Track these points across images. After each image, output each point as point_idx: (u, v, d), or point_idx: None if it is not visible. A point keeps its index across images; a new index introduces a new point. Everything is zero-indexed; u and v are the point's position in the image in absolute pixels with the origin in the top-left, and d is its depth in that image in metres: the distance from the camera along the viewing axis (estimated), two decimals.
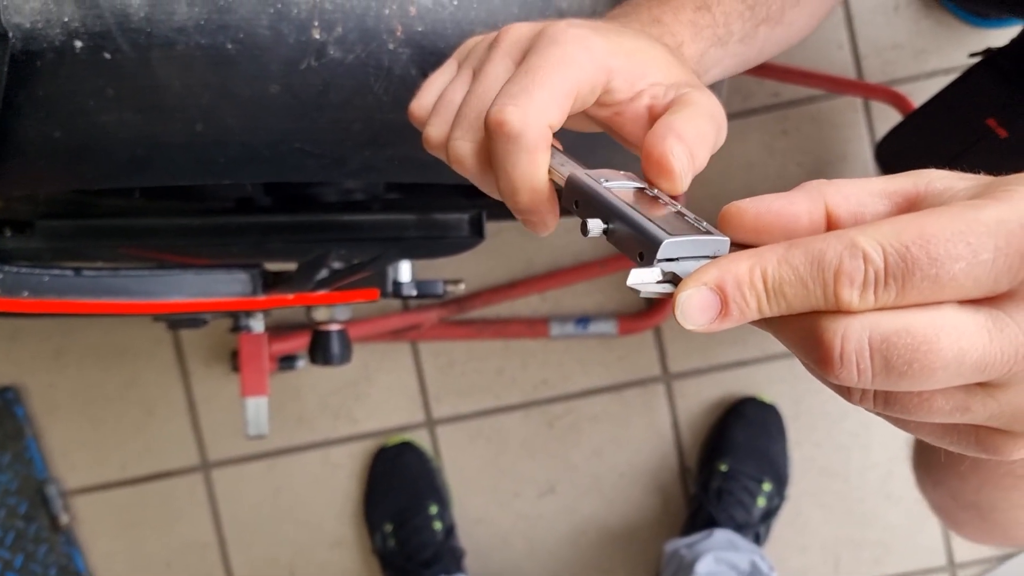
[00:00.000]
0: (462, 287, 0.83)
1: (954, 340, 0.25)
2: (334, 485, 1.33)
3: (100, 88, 0.50)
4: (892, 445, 1.29)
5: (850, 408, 0.79)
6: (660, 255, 0.30)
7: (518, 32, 0.41)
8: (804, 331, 0.27)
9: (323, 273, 0.75)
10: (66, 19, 0.48)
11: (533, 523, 1.33)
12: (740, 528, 1.21)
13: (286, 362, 1.15)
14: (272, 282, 0.77)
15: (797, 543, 1.32)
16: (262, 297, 0.75)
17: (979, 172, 0.30)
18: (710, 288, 0.27)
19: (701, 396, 1.31)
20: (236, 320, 0.87)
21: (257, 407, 0.91)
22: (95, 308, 0.69)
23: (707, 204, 1.23)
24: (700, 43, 0.48)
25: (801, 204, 0.29)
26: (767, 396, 1.29)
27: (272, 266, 0.79)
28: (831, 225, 0.29)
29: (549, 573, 1.34)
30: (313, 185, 0.78)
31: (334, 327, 0.85)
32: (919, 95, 1.19)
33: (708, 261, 0.29)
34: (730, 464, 1.24)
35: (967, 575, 1.33)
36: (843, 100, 1.27)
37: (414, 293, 0.79)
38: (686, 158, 0.36)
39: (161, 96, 0.50)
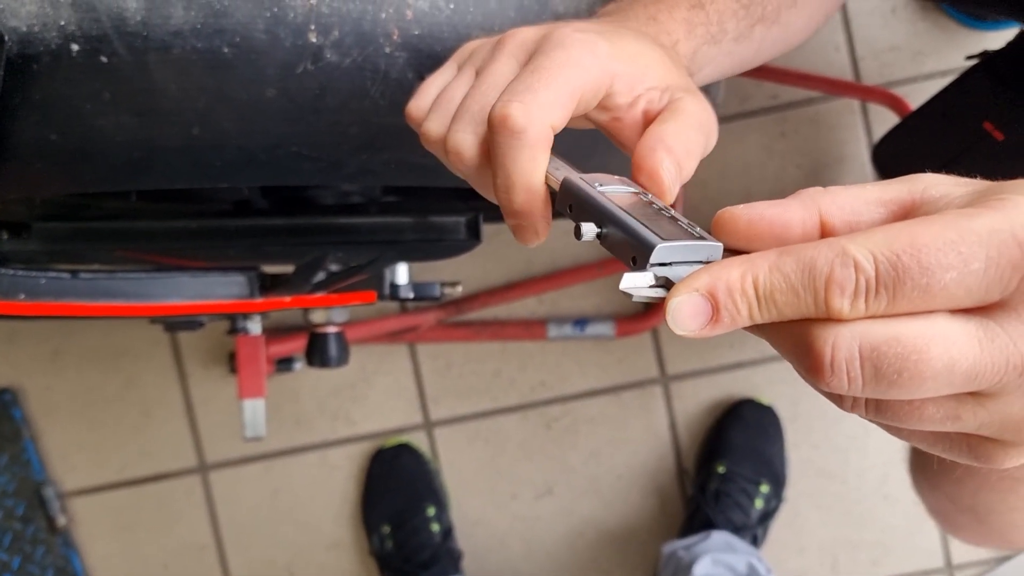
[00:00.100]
0: (459, 289, 0.83)
1: (944, 350, 0.25)
2: (332, 487, 1.33)
3: (96, 92, 0.50)
4: (890, 447, 1.29)
5: None
6: (653, 260, 0.30)
7: (524, 35, 0.41)
8: (795, 338, 0.27)
9: (320, 276, 0.75)
10: (62, 23, 0.48)
11: (531, 525, 1.33)
12: (738, 530, 1.21)
13: (284, 364, 1.15)
14: (269, 284, 0.77)
15: (795, 545, 1.32)
16: (259, 299, 0.75)
17: (976, 175, 0.30)
18: (701, 294, 0.27)
19: (699, 398, 1.31)
20: (233, 322, 0.87)
21: (254, 409, 0.91)
22: (92, 311, 0.69)
23: (705, 206, 1.23)
24: (693, 41, 0.48)
25: (795, 212, 0.29)
26: (765, 398, 1.29)
27: (269, 268, 0.79)
28: (825, 234, 0.29)
29: (547, 575, 1.34)
30: (310, 188, 0.78)
31: (331, 329, 0.85)
32: (916, 97, 1.19)
33: (700, 266, 0.29)
34: (728, 466, 1.24)
35: None
36: (841, 102, 1.27)
37: (411, 296, 0.79)
38: (675, 170, 0.37)
39: (157, 100, 0.50)
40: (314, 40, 0.49)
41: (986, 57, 0.83)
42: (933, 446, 0.30)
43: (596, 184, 0.36)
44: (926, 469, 0.72)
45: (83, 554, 1.32)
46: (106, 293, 0.69)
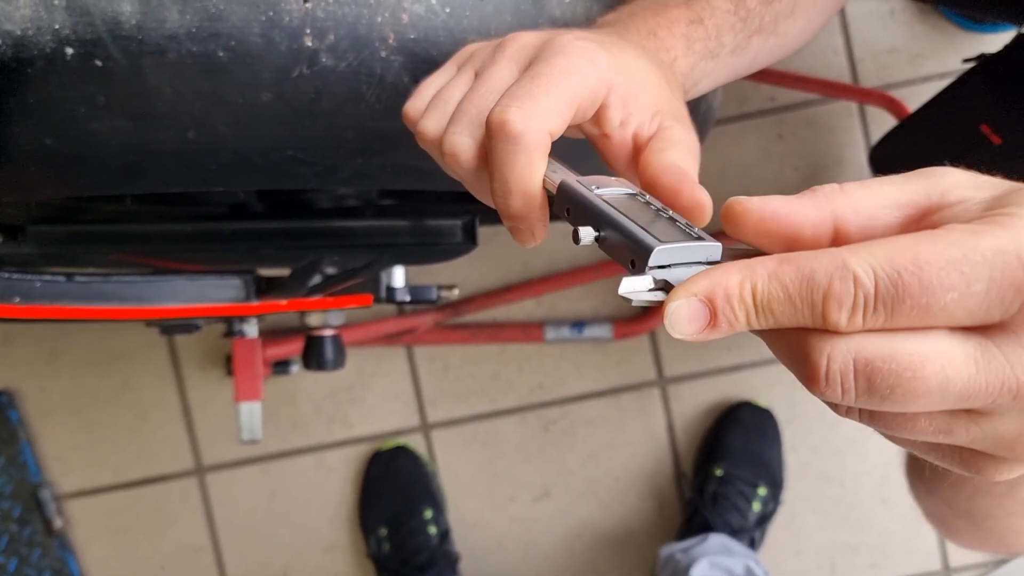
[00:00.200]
0: (456, 293, 0.83)
1: (939, 369, 0.25)
2: (329, 489, 1.32)
3: (91, 95, 0.50)
4: (888, 450, 1.29)
5: None
6: (652, 262, 0.30)
7: (524, 39, 0.41)
8: (792, 345, 0.27)
9: (316, 279, 0.74)
10: (57, 26, 0.48)
11: (528, 527, 1.33)
12: (735, 533, 1.21)
13: (280, 367, 1.15)
14: (265, 288, 0.77)
15: (792, 547, 1.32)
16: (255, 303, 0.75)
17: None
18: (700, 299, 0.27)
19: (696, 400, 1.31)
20: (230, 325, 0.87)
21: (251, 412, 0.91)
22: (87, 314, 0.69)
23: None
24: (692, 57, 0.48)
25: (808, 213, 0.29)
26: (763, 400, 1.29)
27: (265, 272, 0.79)
28: (838, 240, 0.29)
29: None
30: (306, 191, 0.78)
31: (328, 332, 0.85)
32: (914, 99, 1.20)
33: (700, 268, 0.29)
34: (725, 468, 1.24)
35: None
36: (839, 104, 1.27)
37: (408, 299, 0.79)
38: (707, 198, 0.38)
39: (152, 104, 0.50)
40: (310, 44, 0.49)
41: (983, 60, 0.83)
42: (927, 454, 0.30)
43: (593, 187, 0.36)
44: (922, 473, 0.72)
45: (79, 556, 1.32)
46: (101, 296, 0.69)
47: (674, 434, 1.32)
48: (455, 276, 1.24)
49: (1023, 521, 0.64)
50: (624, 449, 1.32)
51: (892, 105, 1.19)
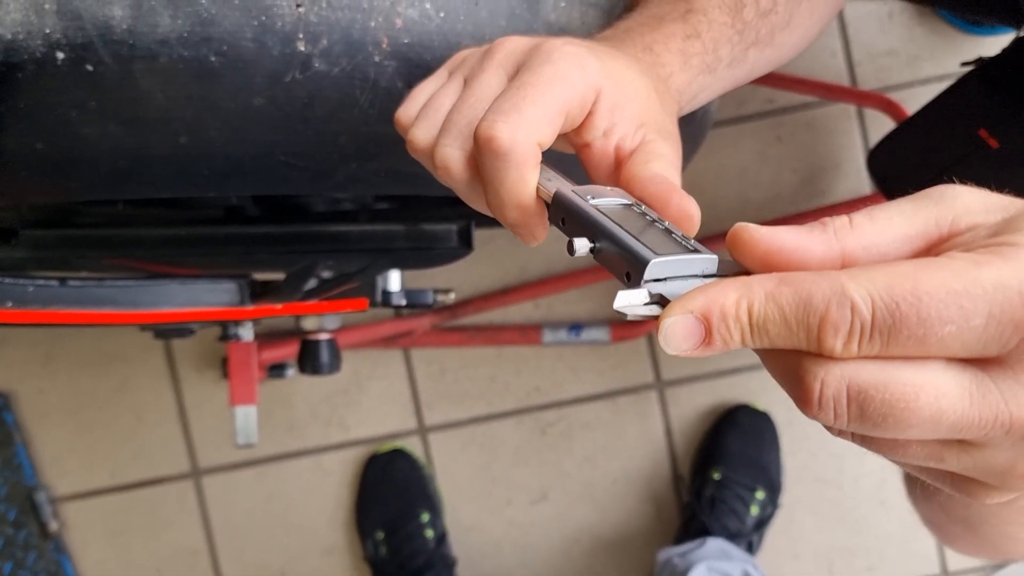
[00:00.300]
0: (452, 297, 0.82)
1: (933, 400, 0.25)
2: (325, 492, 1.32)
3: (82, 100, 0.49)
4: None
5: None
6: (647, 276, 0.29)
7: (513, 45, 0.41)
8: (787, 366, 0.27)
9: (312, 283, 0.74)
10: (47, 31, 0.48)
11: (525, 530, 1.33)
12: (733, 537, 1.21)
13: (276, 370, 1.15)
14: (260, 292, 0.76)
15: (790, 551, 1.31)
16: (250, 307, 0.75)
17: (971, 183, 0.29)
18: (695, 316, 0.27)
19: (694, 403, 1.31)
20: (225, 329, 0.87)
21: (246, 416, 0.90)
22: (80, 318, 0.68)
23: (700, 209, 1.23)
24: (688, 72, 0.47)
25: (816, 250, 0.28)
26: (760, 404, 1.29)
27: (260, 276, 0.79)
28: None
29: None
30: (301, 195, 0.77)
31: (323, 336, 0.85)
32: (913, 102, 1.19)
33: (696, 281, 0.29)
34: (723, 472, 1.24)
35: None
36: (837, 107, 1.27)
37: (403, 303, 0.78)
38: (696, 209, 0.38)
39: (144, 108, 0.50)
40: (302, 49, 0.49)
41: (981, 64, 0.83)
42: (919, 474, 0.30)
43: (588, 196, 0.35)
44: (919, 480, 0.71)
45: (75, 559, 1.31)
46: (95, 301, 0.69)
47: (672, 437, 1.32)
48: (452, 279, 1.24)
49: (1020, 528, 0.63)
50: (622, 452, 1.32)
51: (890, 107, 1.19)
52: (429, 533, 1.25)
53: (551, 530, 1.32)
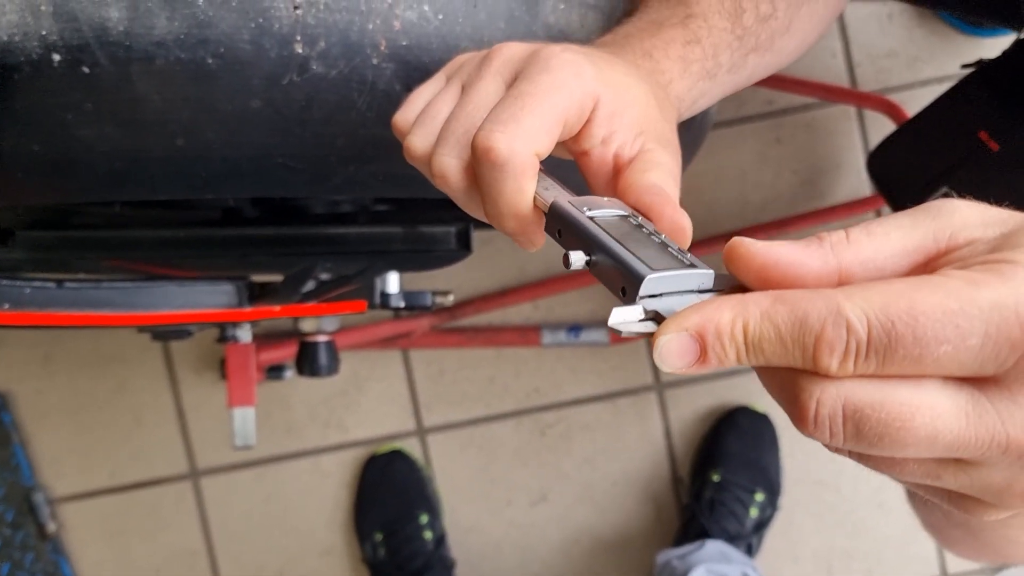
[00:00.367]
0: (450, 299, 0.82)
1: (929, 420, 0.25)
2: (324, 493, 1.32)
3: (79, 102, 0.49)
4: None
5: None
6: (643, 292, 0.29)
7: (511, 51, 0.40)
8: (783, 384, 0.27)
9: (310, 285, 0.74)
10: (44, 32, 0.47)
11: (525, 532, 1.32)
12: (732, 539, 1.20)
13: (274, 372, 1.14)
14: (258, 294, 0.76)
15: (789, 554, 1.31)
16: (248, 309, 0.74)
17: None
18: (690, 334, 0.27)
19: (694, 405, 1.31)
20: (223, 330, 0.86)
21: (244, 418, 0.90)
22: (77, 320, 0.68)
23: (699, 211, 1.23)
24: (688, 79, 0.47)
25: (812, 266, 0.28)
26: (760, 405, 1.29)
27: (258, 277, 0.78)
28: None
29: None
30: (299, 197, 0.77)
31: (321, 338, 0.85)
32: (913, 103, 1.19)
33: (692, 297, 0.29)
34: (723, 474, 1.23)
35: None
36: (837, 108, 1.27)
37: (402, 305, 0.78)
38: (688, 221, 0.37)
39: (141, 110, 0.49)
40: (300, 51, 0.49)
41: (982, 66, 0.82)
42: (917, 490, 0.30)
43: (584, 208, 0.35)
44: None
45: (73, 560, 1.31)
46: (92, 303, 0.68)
47: (671, 439, 1.31)
48: (451, 280, 1.24)
49: (1021, 533, 0.63)
50: (621, 454, 1.31)
51: (890, 109, 1.19)
52: (428, 534, 1.25)
53: (550, 531, 1.32)
